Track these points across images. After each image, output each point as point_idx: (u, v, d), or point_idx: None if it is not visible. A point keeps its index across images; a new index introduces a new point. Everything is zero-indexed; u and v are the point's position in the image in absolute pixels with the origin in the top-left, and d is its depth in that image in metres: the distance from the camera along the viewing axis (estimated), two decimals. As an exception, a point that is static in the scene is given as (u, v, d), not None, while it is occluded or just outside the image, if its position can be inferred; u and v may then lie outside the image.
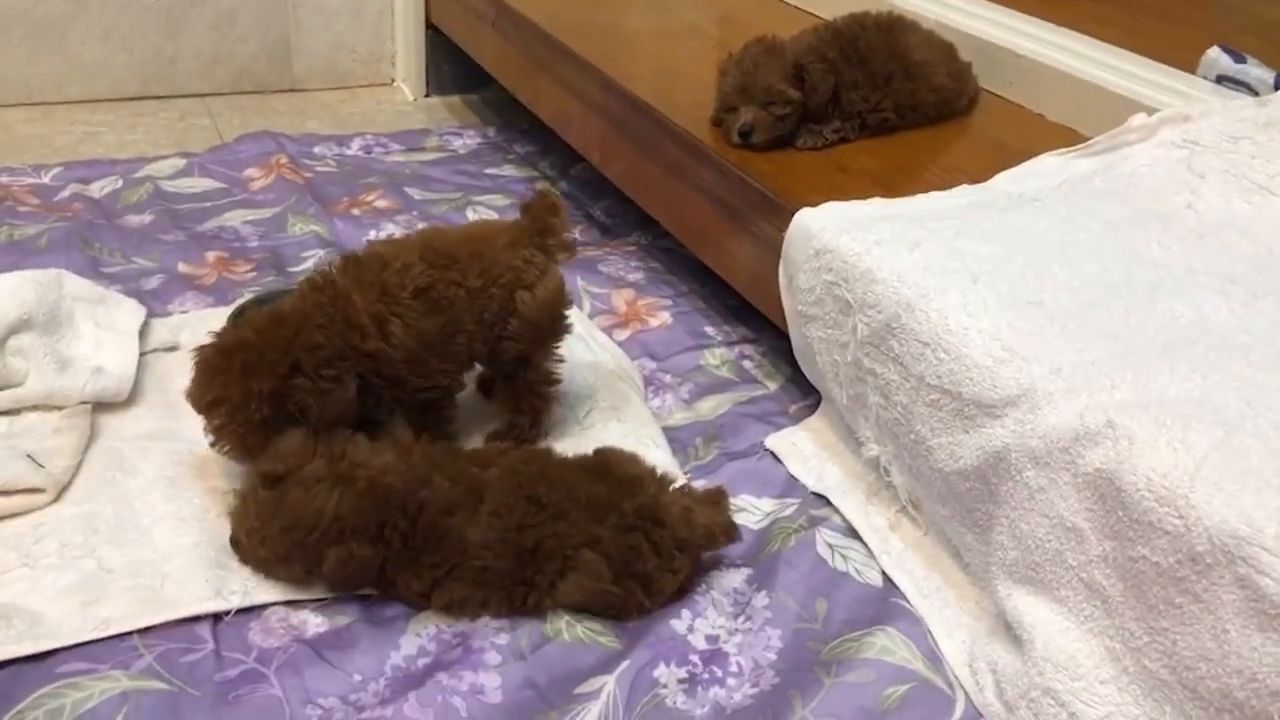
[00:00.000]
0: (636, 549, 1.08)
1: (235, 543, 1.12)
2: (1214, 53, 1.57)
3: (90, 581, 1.08)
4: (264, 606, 1.08)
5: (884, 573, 1.17)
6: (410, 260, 1.21)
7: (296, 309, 1.18)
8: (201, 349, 1.18)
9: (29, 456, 1.20)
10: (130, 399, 1.35)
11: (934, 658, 1.06)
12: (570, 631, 1.07)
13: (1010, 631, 1.02)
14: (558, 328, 1.32)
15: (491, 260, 1.25)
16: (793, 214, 1.33)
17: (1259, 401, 0.95)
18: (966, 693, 1.03)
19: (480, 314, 1.25)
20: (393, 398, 1.22)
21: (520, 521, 1.08)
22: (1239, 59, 1.54)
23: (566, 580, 1.08)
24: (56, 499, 1.18)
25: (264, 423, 1.14)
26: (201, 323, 1.52)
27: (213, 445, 1.18)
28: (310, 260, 1.75)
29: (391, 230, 1.87)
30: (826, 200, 1.34)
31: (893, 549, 1.20)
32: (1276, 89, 1.48)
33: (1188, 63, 1.59)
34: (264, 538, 1.08)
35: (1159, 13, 1.95)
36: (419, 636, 1.07)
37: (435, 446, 1.18)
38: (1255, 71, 1.52)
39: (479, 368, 1.36)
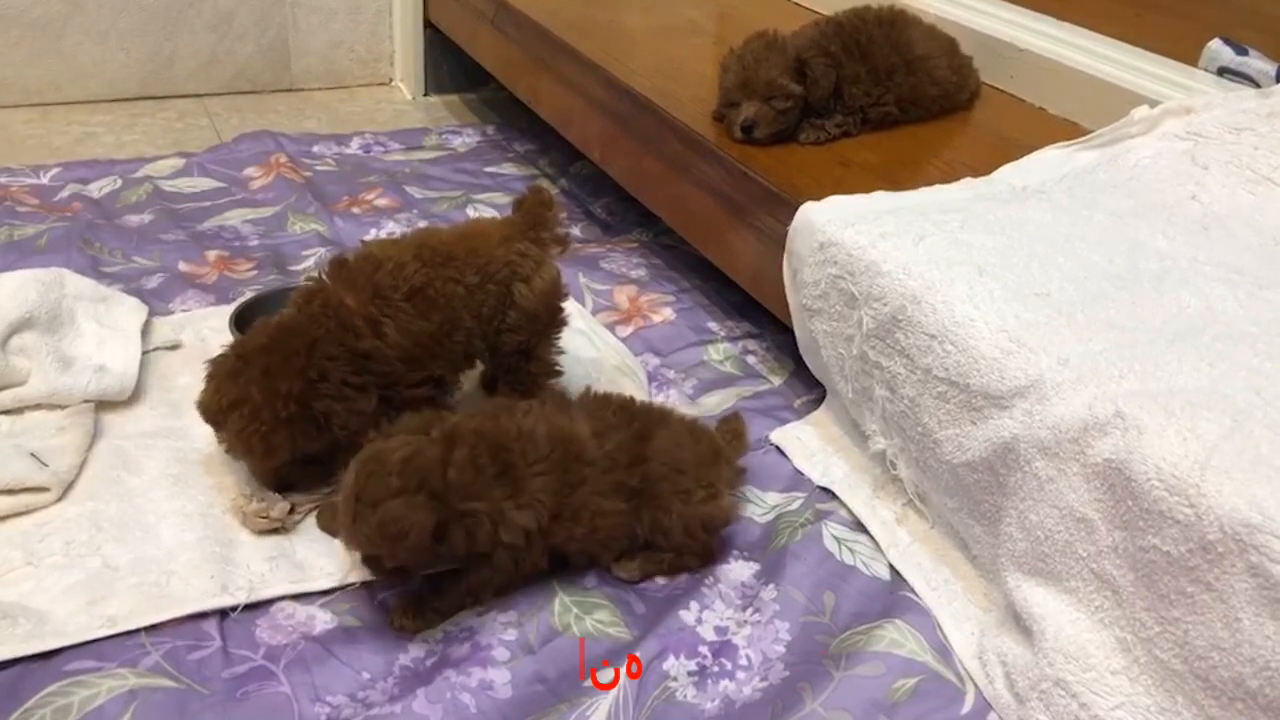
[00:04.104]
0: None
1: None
2: (1215, 45, 1.57)
3: (96, 579, 1.07)
4: (270, 602, 1.08)
5: (891, 566, 1.17)
6: (404, 259, 1.21)
7: (299, 320, 1.17)
8: (217, 358, 1.18)
9: (33, 455, 1.19)
10: (133, 397, 1.34)
11: (943, 650, 1.06)
12: (579, 625, 1.07)
13: (1020, 623, 1.02)
14: (556, 318, 1.33)
15: (488, 257, 1.26)
16: (796, 208, 1.33)
17: (1267, 390, 0.95)
18: (976, 685, 1.03)
19: (478, 310, 1.25)
20: (383, 398, 1.21)
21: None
22: (1241, 51, 1.54)
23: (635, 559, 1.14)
24: (61, 498, 1.18)
25: (289, 422, 1.13)
26: (204, 321, 1.53)
27: (228, 450, 1.18)
28: (311, 259, 1.75)
29: (392, 228, 1.87)
30: (830, 194, 1.33)
31: (900, 542, 1.19)
32: (1278, 81, 1.48)
33: (1189, 56, 1.59)
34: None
35: (1160, 6, 1.95)
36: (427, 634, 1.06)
37: None
38: (1257, 64, 1.53)
39: (480, 367, 1.35)
